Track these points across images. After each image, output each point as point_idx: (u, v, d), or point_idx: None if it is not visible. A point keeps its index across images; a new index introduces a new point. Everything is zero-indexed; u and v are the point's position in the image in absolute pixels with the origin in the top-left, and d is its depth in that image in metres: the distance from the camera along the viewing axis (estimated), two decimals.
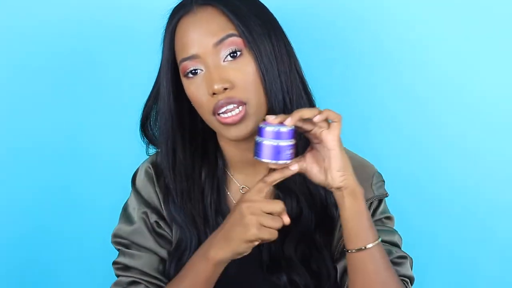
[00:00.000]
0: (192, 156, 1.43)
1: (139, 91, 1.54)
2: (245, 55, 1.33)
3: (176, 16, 1.36)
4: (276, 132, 1.24)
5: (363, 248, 1.30)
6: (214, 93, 1.31)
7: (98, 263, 1.71)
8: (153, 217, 1.44)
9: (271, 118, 1.25)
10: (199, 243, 1.39)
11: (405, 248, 1.46)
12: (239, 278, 1.39)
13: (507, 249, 1.74)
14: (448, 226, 1.75)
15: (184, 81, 1.36)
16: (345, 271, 1.39)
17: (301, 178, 1.38)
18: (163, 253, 1.43)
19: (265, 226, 1.26)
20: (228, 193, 1.46)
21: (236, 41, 1.32)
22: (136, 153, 1.53)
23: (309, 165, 1.29)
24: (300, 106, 1.36)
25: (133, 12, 1.71)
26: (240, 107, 1.31)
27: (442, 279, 1.76)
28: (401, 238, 1.43)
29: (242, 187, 1.46)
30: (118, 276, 1.43)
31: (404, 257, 1.41)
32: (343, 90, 1.71)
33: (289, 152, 1.25)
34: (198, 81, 1.34)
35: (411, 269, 1.42)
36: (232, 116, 1.31)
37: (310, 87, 1.40)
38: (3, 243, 1.72)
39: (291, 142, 1.25)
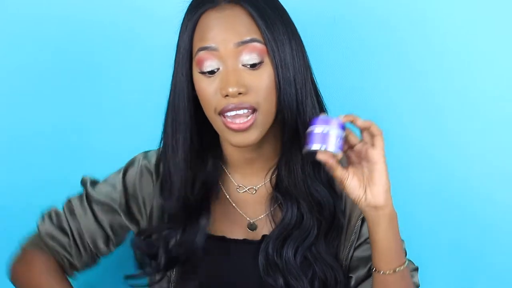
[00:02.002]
0: (201, 147, 1.42)
1: (140, 91, 1.55)
2: (266, 62, 1.32)
3: (202, 8, 1.35)
4: (326, 119, 1.26)
5: (395, 271, 1.31)
6: (226, 95, 1.31)
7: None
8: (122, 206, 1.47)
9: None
10: (183, 234, 1.40)
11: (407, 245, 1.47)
12: (234, 280, 1.41)
13: (508, 250, 1.75)
14: (451, 225, 1.75)
15: (197, 74, 1.35)
16: (361, 281, 1.41)
17: (302, 183, 1.39)
18: (108, 231, 1.47)
19: None
20: (224, 191, 1.46)
21: (259, 48, 1.32)
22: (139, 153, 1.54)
23: (350, 176, 1.29)
24: (312, 117, 1.35)
25: (133, 13, 1.72)
26: (250, 115, 1.31)
27: (443, 278, 1.76)
28: (404, 242, 1.43)
29: (239, 186, 1.46)
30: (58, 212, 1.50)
31: (416, 269, 1.43)
32: (347, 90, 1.71)
33: (338, 142, 1.26)
34: (211, 78, 1.33)
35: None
36: (240, 123, 1.31)
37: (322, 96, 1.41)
38: (3, 242, 1.72)
39: (340, 132, 1.26)
